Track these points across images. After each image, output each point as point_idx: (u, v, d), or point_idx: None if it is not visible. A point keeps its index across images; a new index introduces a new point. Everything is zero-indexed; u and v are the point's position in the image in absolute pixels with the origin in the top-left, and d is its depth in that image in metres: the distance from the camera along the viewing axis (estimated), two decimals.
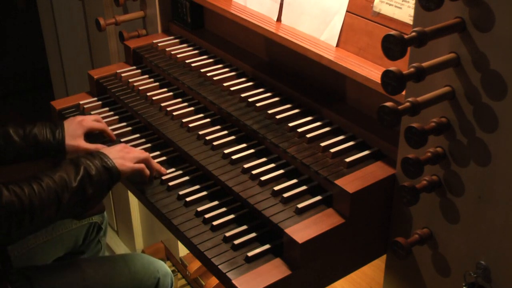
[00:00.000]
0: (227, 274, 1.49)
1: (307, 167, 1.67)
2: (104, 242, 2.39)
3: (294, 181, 1.68)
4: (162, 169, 1.84)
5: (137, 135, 2.04)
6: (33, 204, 1.55)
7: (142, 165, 1.77)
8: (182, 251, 2.92)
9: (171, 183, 1.79)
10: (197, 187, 1.78)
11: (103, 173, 1.68)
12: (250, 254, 1.53)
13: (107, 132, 2.01)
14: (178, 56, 2.26)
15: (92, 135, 1.99)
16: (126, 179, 1.79)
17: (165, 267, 2.13)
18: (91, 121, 1.97)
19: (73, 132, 1.92)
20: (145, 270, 2.04)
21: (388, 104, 1.24)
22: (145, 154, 1.80)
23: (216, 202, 1.72)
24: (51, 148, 1.90)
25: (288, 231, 1.51)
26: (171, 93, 2.15)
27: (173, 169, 1.86)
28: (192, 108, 2.05)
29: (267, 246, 1.56)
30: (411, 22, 1.57)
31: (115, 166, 1.70)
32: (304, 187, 1.66)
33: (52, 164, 1.70)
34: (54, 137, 1.89)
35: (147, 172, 1.78)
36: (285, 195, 1.63)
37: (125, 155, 1.76)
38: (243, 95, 1.99)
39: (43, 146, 1.89)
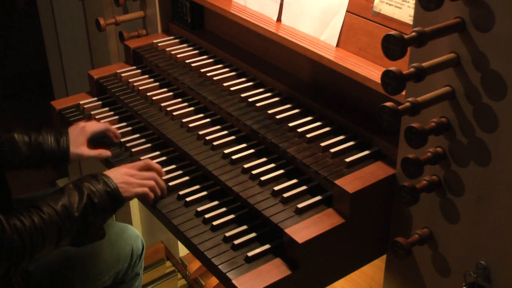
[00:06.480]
0: (227, 274, 1.49)
1: (307, 167, 1.67)
2: None
3: (294, 181, 1.68)
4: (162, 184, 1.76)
5: (137, 135, 2.04)
6: (33, 241, 1.49)
7: (145, 190, 1.70)
8: (182, 251, 2.92)
9: (171, 183, 1.78)
10: (197, 187, 1.78)
11: (106, 199, 1.62)
12: (250, 254, 1.53)
13: (111, 130, 1.98)
14: (178, 56, 2.26)
15: (96, 140, 1.98)
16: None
17: (133, 231, 2.11)
18: (93, 124, 1.96)
19: (76, 139, 1.91)
20: (120, 238, 2.02)
21: (388, 104, 1.24)
22: (151, 182, 1.72)
23: (216, 202, 1.72)
24: (55, 157, 1.88)
25: (288, 231, 1.51)
26: (171, 93, 2.15)
27: (173, 169, 1.86)
28: (192, 108, 2.05)
29: (267, 246, 1.56)
30: (411, 22, 1.57)
31: (118, 192, 1.65)
32: (304, 187, 1.66)
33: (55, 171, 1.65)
34: (59, 146, 1.88)
35: (151, 196, 1.71)
36: (285, 195, 1.63)
37: (129, 179, 1.69)
38: (243, 95, 1.99)
39: (47, 154, 1.87)
